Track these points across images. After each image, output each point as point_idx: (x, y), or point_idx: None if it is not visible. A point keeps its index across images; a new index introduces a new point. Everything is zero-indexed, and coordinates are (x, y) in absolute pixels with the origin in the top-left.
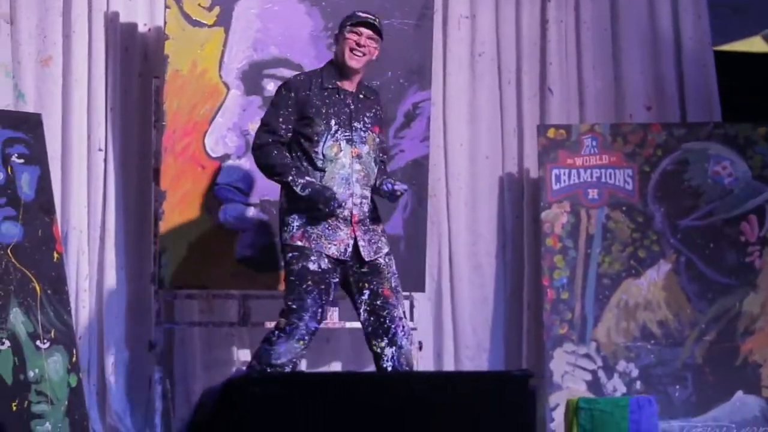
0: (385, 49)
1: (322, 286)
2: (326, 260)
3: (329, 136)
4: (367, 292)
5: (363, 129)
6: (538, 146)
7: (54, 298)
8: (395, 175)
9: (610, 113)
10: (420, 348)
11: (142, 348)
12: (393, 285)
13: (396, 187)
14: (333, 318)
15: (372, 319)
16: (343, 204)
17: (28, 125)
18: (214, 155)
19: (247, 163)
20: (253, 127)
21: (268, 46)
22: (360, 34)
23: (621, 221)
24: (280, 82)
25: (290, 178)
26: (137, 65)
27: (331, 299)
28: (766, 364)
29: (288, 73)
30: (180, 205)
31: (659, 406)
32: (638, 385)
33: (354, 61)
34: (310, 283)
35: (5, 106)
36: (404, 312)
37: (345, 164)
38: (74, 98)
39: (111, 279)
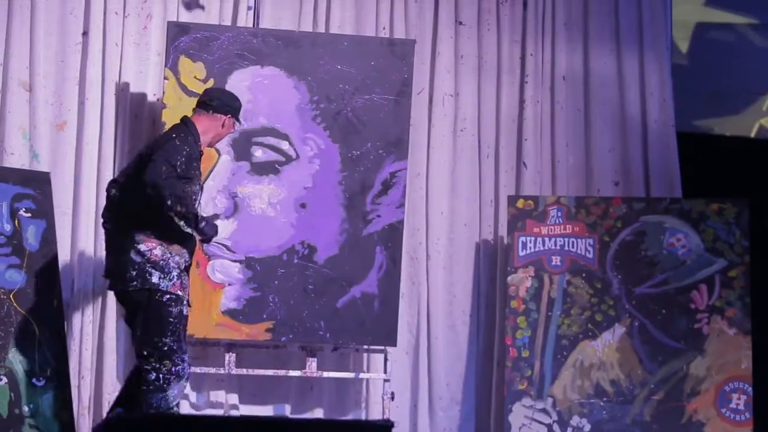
0: (366, 121)
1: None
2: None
3: (200, 197)
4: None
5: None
6: (508, 215)
7: (51, 340)
8: (372, 239)
9: (581, 187)
10: (392, 398)
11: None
12: None
13: None
14: (312, 367)
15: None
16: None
17: (37, 182)
18: (204, 215)
19: (235, 223)
20: (242, 190)
21: (258, 116)
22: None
23: (581, 287)
24: (268, 150)
25: (197, 210)
26: (146, 131)
27: None
28: (709, 423)
29: (275, 141)
30: None
31: None
32: None
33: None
34: (185, 326)
35: (21, 165)
36: None
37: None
38: (85, 160)
39: (111, 325)
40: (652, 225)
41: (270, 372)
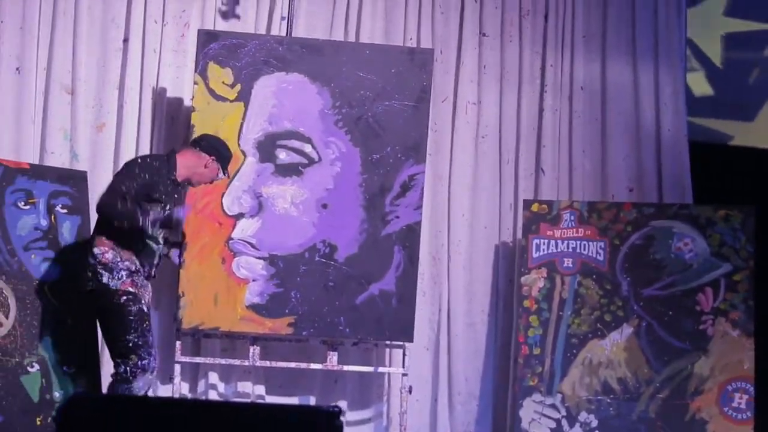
0: (386, 126)
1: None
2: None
3: (162, 215)
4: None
5: None
6: (523, 218)
7: (83, 330)
8: (390, 239)
9: (596, 193)
10: (410, 392)
11: (167, 378)
12: None
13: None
14: (332, 361)
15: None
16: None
17: (74, 180)
18: (230, 213)
19: (259, 221)
20: (266, 190)
21: (282, 120)
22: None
23: (591, 288)
24: (292, 152)
25: (141, 223)
26: (181, 133)
27: None
28: (711, 421)
29: (298, 144)
30: (199, 256)
31: None
32: None
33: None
34: (147, 322)
35: (62, 165)
36: None
37: (160, 242)
38: (123, 160)
39: None
40: (661, 229)
41: (292, 365)
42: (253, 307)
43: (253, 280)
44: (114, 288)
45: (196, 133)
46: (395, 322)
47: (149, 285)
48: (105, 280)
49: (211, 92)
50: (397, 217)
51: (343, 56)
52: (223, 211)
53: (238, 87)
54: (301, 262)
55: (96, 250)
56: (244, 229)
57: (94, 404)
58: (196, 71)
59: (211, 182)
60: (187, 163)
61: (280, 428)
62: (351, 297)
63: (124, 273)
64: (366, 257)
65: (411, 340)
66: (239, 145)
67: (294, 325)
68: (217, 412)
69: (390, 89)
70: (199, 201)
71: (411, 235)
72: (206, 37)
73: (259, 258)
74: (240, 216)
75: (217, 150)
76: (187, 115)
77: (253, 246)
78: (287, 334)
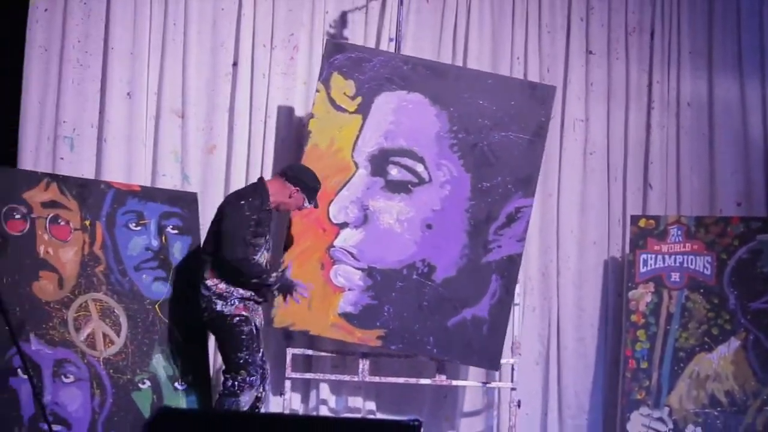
0: (499, 156)
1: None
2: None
3: (265, 250)
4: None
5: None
6: (631, 234)
7: (194, 348)
8: (489, 267)
9: (704, 208)
10: (518, 406)
11: (277, 391)
12: None
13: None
14: (441, 376)
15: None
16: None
17: (184, 202)
18: (335, 221)
19: (362, 233)
20: (374, 204)
21: (398, 137)
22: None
23: (698, 302)
24: (403, 170)
25: (270, 281)
26: (292, 154)
27: None
28: None
29: (411, 163)
30: (299, 258)
31: None
32: None
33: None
34: (257, 343)
35: (173, 186)
36: None
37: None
38: (234, 181)
39: None
40: None
41: (401, 380)
42: (345, 316)
43: (349, 290)
44: (228, 313)
45: (311, 139)
46: (484, 349)
47: (260, 309)
48: (219, 308)
49: (332, 102)
50: (500, 246)
51: (465, 82)
52: (329, 218)
53: (359, 100)
54: (398, 278)
55: (209, 282)
56: (347, 238)
57: (182, 418)
58: (319, 79)
59: (298, 209)
60: (275, 191)
61: None
62: (443, 318)
63: (236, 299)
64: (463, 282)
65: (497, 368)
66: (352, 156)
67: (383, 338)
68: (298, 426)
69: (508, 120)
70: None
71: (511, 266)
72: (333, 48)
73: (357, 268)
74: (344, 225)
75: (302, 181)
76: (297, 136)
77: (353, 256)
78: (374, 347)
